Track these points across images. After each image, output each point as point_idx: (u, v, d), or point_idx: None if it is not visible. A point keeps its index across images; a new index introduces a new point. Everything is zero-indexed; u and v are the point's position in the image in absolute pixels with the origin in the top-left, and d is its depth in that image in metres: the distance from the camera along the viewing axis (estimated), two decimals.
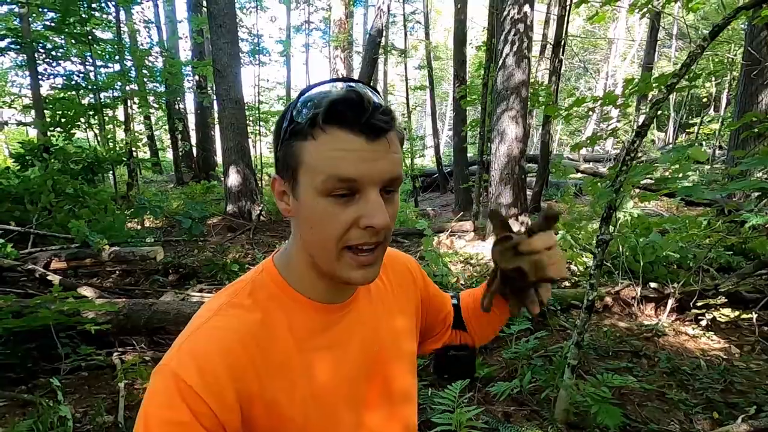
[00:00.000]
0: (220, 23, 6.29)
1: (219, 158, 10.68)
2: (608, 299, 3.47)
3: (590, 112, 2.34)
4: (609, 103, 2.29)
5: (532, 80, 8.13)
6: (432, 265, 3.52)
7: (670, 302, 3.28)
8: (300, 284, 0.59)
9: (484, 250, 5.04)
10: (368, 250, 0.53)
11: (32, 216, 4.67)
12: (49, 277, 3.48)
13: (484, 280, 3.98)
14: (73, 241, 4.04)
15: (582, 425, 2.00)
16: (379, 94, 0.55)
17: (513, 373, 2.48)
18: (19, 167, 5.88)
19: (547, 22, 9.28)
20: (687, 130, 16.53)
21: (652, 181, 3.20)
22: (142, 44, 11.04)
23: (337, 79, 0.53)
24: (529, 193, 9.15)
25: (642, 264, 3.51)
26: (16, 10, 6.26)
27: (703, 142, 13.97)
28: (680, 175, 2.15)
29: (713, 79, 17.35)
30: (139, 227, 6.07)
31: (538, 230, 0.62)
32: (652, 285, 3.43)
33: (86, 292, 3.36)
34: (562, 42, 7.23)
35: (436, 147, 11.66)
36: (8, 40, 5.92)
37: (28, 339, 2.68)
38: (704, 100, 20.45)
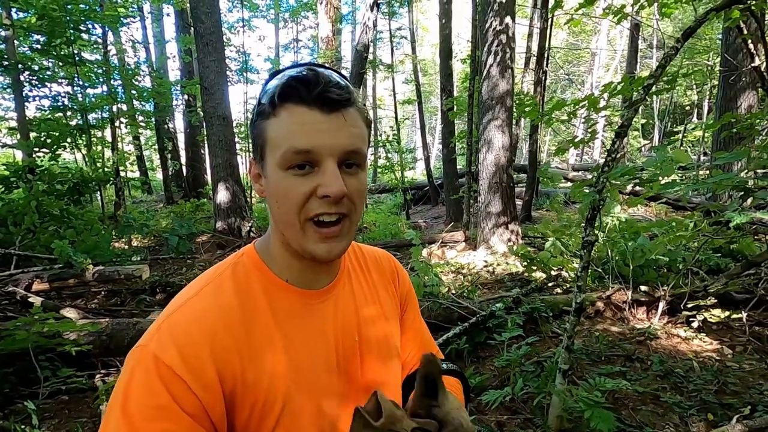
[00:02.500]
0: (207, 41, 6.33)
1: (209, 176, 10.64)
2: (600, 304, 3.46)
3: (571, 116, 2.36)
4: (590, 106, 2.31)
5: (517, 91, 8.26)
6: (422, 275, 3.49)
7: (661, 305, 3.27)
8: (278, 268, 0.59)
9: (475, 259, 5.03)
10: (330, 223, 0.54)
11: (15, 238, 4.58)
12: (30, 299, 3.40)
13: (475, 289, 3.92)
14: (56, 262, 3.96)
15: (576, 431, 1.95)
16: (345, 78, 0.56)
17: (505, 381, 2.43)
18: (3, 189, 5.79)
19: (530, 35, 9.50)
20: (671, 138, 16.85)
21: (641, 189, 3.23)
22: (129, 65, 11.08)
23: (304, 64, 0.55)
24: (519, 202, 9.21)
25: (632, 268, 3.51)
26: (2, 33, 6.25)
27: (688, 149, 14.24)
28: (662, 176, 2.17)
29: (695, 87, 17.80)
30: (126, 247, 5.98)
31: (425, 398, 0.48)
32: (643, 288, 3.43)
33: (69, 313, 3.27)
34: (546, 54, 7.37)
35: (426, 159, 11.72)
36: None
37: (5, 363, 2.58)
38: (687, 108, 20.95)
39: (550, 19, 7.22)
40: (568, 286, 3.99)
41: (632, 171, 2.04)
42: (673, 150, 2.09)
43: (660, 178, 2.04)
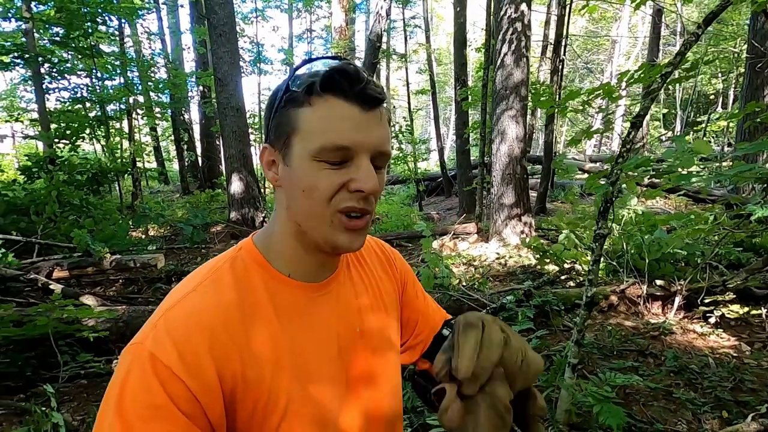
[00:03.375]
0: (220, 32, 6.35)
1: (224, 167, 10.76)
2: (613, 298, 3.40)
3: (586, 106, 2.29)
4: (606, 95, 2.25)
5: (533, 80, 8.09)
6: (432, 266, 3.48)
7: (677, 300, 3.20)
8: (280, 262, 0.58)
9: (487, 251, 4.99)
10: (357, 217, 0.54)
11: (37, 226, 4.71)
12: (51, 286, 3.50)
13: (486, 281, 3.90)
14: (75, 250, 4.07)
15: (585, 426, 1.94)
16: (376, 81, 0.57)
17: None
18: (25, 179, 5.96)
19: (547, 22, 9.27)
20: (694, 128, 16.33)
21: (659, 180, 3.13)
22: (146, 56, 11.20)
23: (333, 57, 0.55)
24: (534, 194, 9.08)
25: (647, 261, 3.44)
26: (22, 26, 6.38)
27: (711, 139, 13.79)
28: (681, 168, 2.09)
29: (720, 75, 17.18)
30: (143, 236, 6.11)
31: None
32: (658, 282, 3.35)
33: (88, 300, 3.37)
34: (563, 41, 7.19)
35: (440, 150, 11.63)
36: (13, 55, 6.03)
37: (27, 347, 2.68)
38: (711, 97, 20.22)
39: (568, 6, 7.03)
40: (581, 279, 3.93)
41: (647, 162, 1.99)
42: (694, 140, 2.02)
43: (678, 170, 1.97)
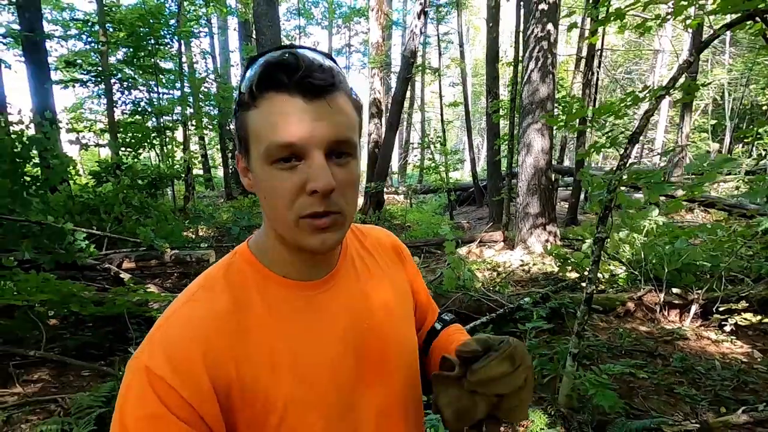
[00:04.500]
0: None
1: None
2: (630, 304, 3.54)
3: (620, 116, 2.47)
4: (613, 113, 2.46)
5: (564, 94, 8.17)
6: (455, 269, 3.75)
7: (694, 308, 3.30)
8: (274, 263, 0.58)
9: (511, 258, 5.18)
10: (323, 217, 0.51)
11: (106, 224, 5.36)
12: (121, 275, 4.05)
13: (507, 285, 4.13)
14: (140, 245, 4.63)
15: (583, 410, 2.15)
16: (332, 59, 0.53)
17: None
18: (95, 183, 6.73)
19: (581, 35, 9.35)
20: (744, 140, 15.59)
21: (681, 192, 3.24)
22: (199, 72, 12.15)
23: (285, 46, 0.51)
24: (565, 205, 9.10)
25: (667, 271, 3.55)
26: (100, 47, 7.26)
27: (762, 152, 13.13)
28: (704, 181, 2.21)
29: None
30: (193, 236, 6.72)
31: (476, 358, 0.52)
32: (675, 291, 3.46)
33: (151, 289, 3.88)
34: (595, 54, 7.29)
35: (472, 161, 11.83)
36: (90, 73, 6.86)
37: (105, 323, 3.19)
38: (764, 107, 19.19)
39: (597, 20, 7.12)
40: (603, 287, 4.07)
41: (659, 174, 2.19)
42: (716, 155, 2.19)
43: (700, 184, 2.13)
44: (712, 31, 1.98)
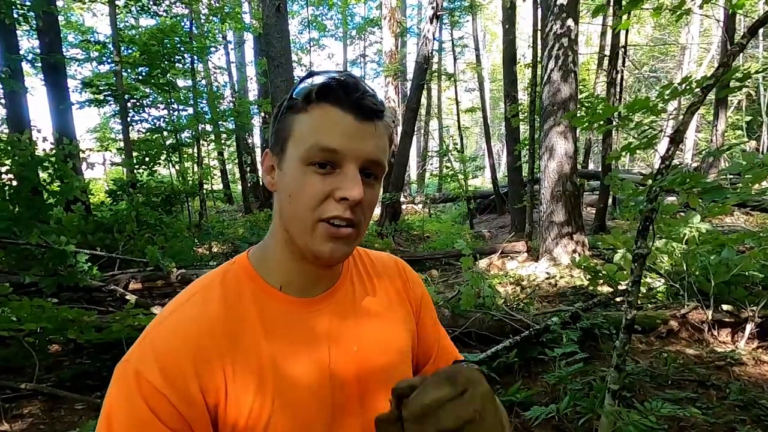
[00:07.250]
0: (277, 64, 6.86)
1: None
2: (673, 323, 3.16)
3: (630, 121, 2.21)
4: (649, 109, 2.16)
5: (588, 93, 7.78)
6: (473, 285, 3.45)
7: (749, 327, 2.91)
8: (272, 273, 0.58)
9: (536, 270, 4.83)
10: (341, 225, 0.53)
11: (119, 243, 5.31)
12: (127, 297, 3.92)
13: (532, 302, 3.79)
14: (148, 265, 4.52)
15: None
16: (377, 95, 0.58)
17: (556, 399, 2.33)
18: (111, 201, 6.75)
19: (603, 33, 8.95)
20: None
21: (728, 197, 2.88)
22: (217, 87, 12.29)
23: (337, 71, 0.56)
24: (592, 211, 8.63)
25: (714, 284, 3.16)
26: (115, 67, 7.35)
27: None
28: (750, 183, 1.92)
29: None
30: (207, 252, 6.62)
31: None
32: (725, 307, 3.07)
33: (156, 310, 3.74)
34: (619, 52, 6.90)
35: (492, 167, 11.46)
36: (106, 93, 6.94)
37: (104, 350, 3.04)
38: None
39: (623, 17, 6.75)
40: (640, 302, 3.69)
41: (697, 177, 1.88)
42: (766, 154, 1.88)
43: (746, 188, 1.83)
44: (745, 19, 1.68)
